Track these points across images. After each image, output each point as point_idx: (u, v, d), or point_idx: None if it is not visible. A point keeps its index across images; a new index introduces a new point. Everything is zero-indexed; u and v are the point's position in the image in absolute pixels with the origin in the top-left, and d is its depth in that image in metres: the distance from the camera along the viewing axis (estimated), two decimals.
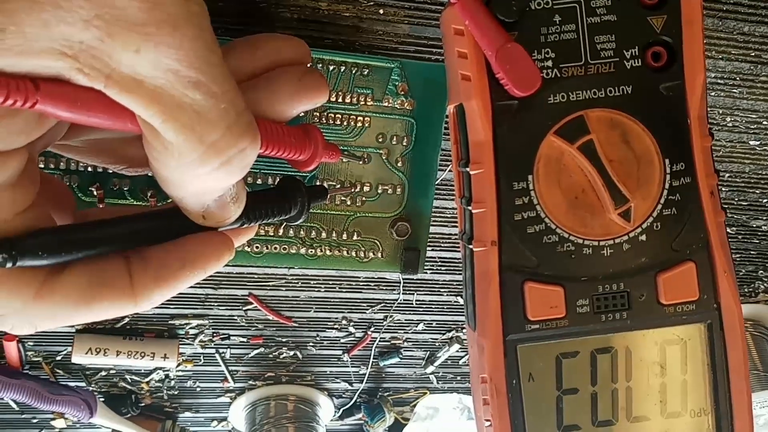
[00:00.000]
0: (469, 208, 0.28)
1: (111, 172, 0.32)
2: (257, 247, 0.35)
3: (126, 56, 0.18)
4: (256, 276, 0.42)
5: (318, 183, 0.35)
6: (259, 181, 0.35)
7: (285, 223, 0.35)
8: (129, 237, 0.23)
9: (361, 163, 0.35)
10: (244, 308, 0.44)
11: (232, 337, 0.46)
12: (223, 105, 0.20)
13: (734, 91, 0.38)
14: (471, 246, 0.28)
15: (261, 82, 0.26)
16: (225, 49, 0.26)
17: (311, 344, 0.47)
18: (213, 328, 0.45)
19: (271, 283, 0.42)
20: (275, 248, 0.36)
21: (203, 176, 0.21)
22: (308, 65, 0.27)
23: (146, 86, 0.18)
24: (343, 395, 0.52)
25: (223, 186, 0.22)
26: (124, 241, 0.23)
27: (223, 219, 0.24)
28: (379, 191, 0.36)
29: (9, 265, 0.20)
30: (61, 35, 0.17)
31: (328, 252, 0.36)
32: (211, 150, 0.20)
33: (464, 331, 0.48)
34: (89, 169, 0.32)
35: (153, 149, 0.20)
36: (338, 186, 0.35)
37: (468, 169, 0.28)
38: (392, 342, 0.48)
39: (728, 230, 0.29)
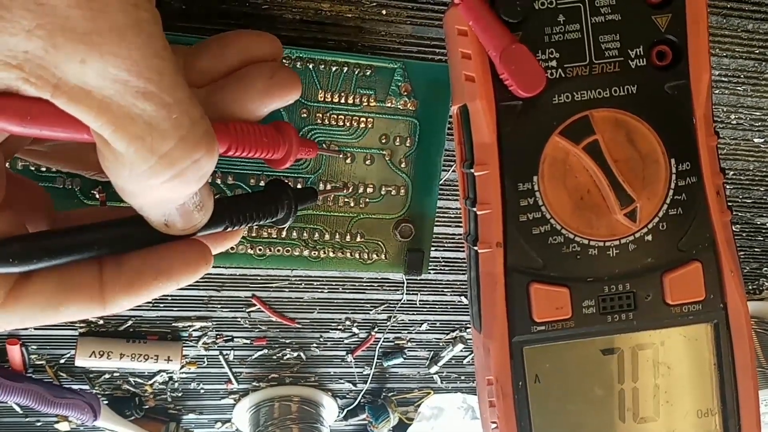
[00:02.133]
0: (474, 209, 0.28)
1: None
2: (260, 250, 0.35)
3: (71, 66, 0.17)
4: (259, 278, 0.42)
5: (321, 185, 0.35)
6: (262, 182, 0.34)
7: (275, 226, 0.35)
8: (103, 244, 0.23)
9: (340, 156, 0.35)
10: (248, 310, 0.44)
11: (235, 339, 0.46)
12: (176, 115, 0.19)
13: (738, 88, 0.38)
14: (476, 248, 0.28)
15: (231, 81, 0.25)
16: (195, 48, 0.25)
17: (315, 345, 0.47)
18: (216, 330, 0.45)
19: (274, 285, 0.42)
20: (278, 250, 0.35)
21: (157, 187, 0.20)
22: (279, 61, 0.26)
23: (94, 96, 0.18)
24: (347, 396, 0.52)
25: (179, 196, 0.22)
26: (98, 248, 0.22)
27: (187, 227, 0.23)
28: (383, 192, 0.36)
29: None
30: (4, 46, 0.16)
31: (331, 254, 0.36)
32: (163, 161, 0.19)
33: (468, 330, 0.48)
34: None
35: (105, 159, 0.20)
36: (338, 186, 0.35)
37: (473, 170, 0.28)
38: (396, 342, 0.48)
39: (733, 228, 0.29)
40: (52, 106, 0.18)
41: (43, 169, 0.32)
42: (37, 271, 0.21)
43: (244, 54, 0.25)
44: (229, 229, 0.25)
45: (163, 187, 0.20)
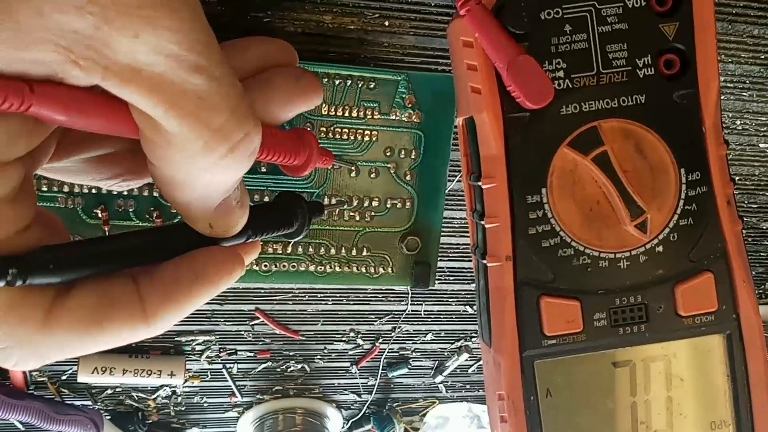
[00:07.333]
0: (482, 222, 0.28)
1: (116, 193, 0.32)
2: (265, 266, 0.35)
3: (124, 43, 0.17)
4: (262, 291, 0.41)
5: (326, 198, 0.34)
6: (266, 198, 0.34)
7: (287, 240, 0.35)
8: (139, 251, 0.22)
9: (353, 167, 0.34)
10: (251, 323, 0.43)
11: (239, 352, 0.45)
12: (225, 88, 0.19)
13: (744, 94, 0.38)
14: (484, 261, 0.28)
15: (256, 84, 0.25)
16: None
17: (319, 357, 0.47)
18: (220, 344, 0.45)
19: (277, 298, 0.42)
20: (284, 266, 0.35)
21: (210, 168, 0.20)
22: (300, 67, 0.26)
23: (146, 74, 0.18)
24: (352, 407, 0.52)
25: (231, 179, 0.21)
26: (135, 254, 0.22)
27: (229, 226, 0.23)
28: (388, 206, 0.35)
29: (19, 282, 0.19)
30: (55, 24, 0.16)
31: (337, 269, 0.36)
32: (217, 135, 0.19)
33: (473, 340, 0.48)
34: (93, 190, 0.32)
35: (156, 147, 0.20)
36: (343, 200, 0.35)
37: (480, 183, 0.27)
38: (401, 353, 0.48)
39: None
40: (96, 96, 0.18)
41: (44, 188, 0.31)
42: (74, 288, 0.20)
43: (263, 58, 0.25)
44: (250, 240, 0.25)
45: (217, 168, 0.20)
